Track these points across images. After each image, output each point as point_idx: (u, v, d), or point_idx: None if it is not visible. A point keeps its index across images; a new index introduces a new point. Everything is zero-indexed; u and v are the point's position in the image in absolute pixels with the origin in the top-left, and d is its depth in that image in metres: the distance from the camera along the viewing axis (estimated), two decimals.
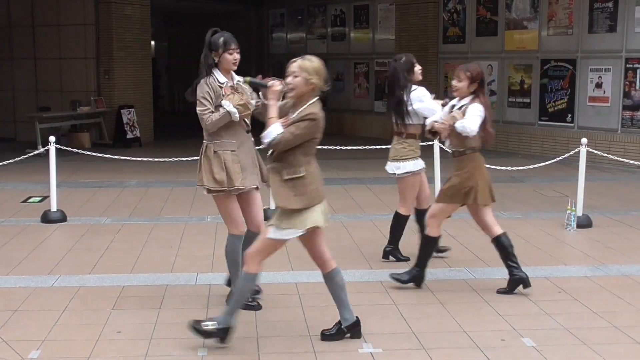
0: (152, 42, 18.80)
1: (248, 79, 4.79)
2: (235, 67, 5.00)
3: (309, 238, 4.44)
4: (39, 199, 9.26)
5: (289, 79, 4.27)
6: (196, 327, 4.47)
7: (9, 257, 6.56)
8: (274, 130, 4.23)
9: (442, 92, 15.24)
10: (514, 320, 4.99)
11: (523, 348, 4.53)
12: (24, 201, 9.17)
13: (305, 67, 4.24)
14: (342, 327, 4.62)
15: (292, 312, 5.14)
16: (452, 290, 5.63)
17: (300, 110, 4.29)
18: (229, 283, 5.29)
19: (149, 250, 6.80)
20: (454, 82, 5.47)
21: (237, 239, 5.10)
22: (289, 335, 4.72)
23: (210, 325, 4.44)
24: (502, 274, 6.04)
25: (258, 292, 5.29)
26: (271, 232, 4.36)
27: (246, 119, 5.01)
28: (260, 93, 4.82)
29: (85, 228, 7.67)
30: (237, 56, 4.97)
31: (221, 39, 4.92)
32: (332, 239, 7.23)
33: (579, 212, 7.74)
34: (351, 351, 4.47)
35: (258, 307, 5.13)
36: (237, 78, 5.04)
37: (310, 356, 4.39)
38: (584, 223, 7.71)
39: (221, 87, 4.91)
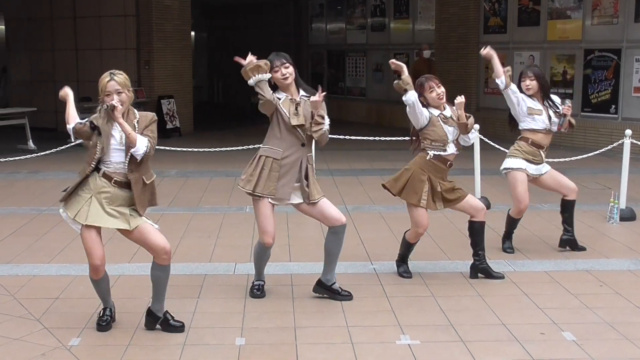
0: (192, 33, 18.90)
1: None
2: (288, 81, 4.96)
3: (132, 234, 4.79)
4: None
5: (116, 96, 4.38)
6: None
7: (50, 245, 6.67)
8: (142, 142, 4.42)
9: (482, 83, 15.09)
10: (554, 313, 4.91)
11: (563, 342, 4.46)
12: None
13: (125, 84, 4.45)
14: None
15: (329, 303, 5.13)
16: (491, 282, 5.57)
17: (138, 118, 4.52)
18: None
19: (187, 240, 6.85)
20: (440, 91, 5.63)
21: (261, 245, 5.13)
22: (326, 326, 4.71)
23: None
24: (542, 267, 5.96)
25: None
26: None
27: (300, 130, 4.96)
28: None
29: None
30: (285, 70, 4.94)
31: (269, 62, 4.91)
32: (370, 229, 7.21)
33: (622, 205, 7.59)
34: (389, 342, 4.45)
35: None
36: (302, 93, 5.06)
37: (348, 347, 4.38)
38: (628, 216, 7.56)
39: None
